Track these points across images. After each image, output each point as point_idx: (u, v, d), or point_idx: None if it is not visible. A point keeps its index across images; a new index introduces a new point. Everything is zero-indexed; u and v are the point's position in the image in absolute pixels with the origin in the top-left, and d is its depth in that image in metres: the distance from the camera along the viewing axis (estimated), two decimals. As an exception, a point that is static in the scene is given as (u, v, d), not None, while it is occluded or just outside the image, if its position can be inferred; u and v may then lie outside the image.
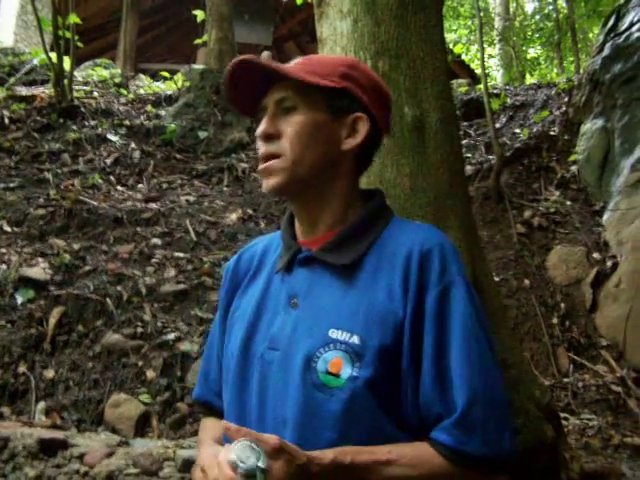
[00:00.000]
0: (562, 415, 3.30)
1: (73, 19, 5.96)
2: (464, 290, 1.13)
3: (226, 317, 1.34)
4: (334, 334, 1.10)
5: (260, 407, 1.15)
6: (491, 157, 5.66)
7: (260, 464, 0.93)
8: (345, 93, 1.21)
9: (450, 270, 1.14)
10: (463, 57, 13.75)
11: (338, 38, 2.27)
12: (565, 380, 3.76)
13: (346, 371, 1.08)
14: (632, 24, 5.30)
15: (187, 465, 2.17)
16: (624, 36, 5.32)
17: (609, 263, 4.39)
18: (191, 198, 5.17)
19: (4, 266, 3.72)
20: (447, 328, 1.10)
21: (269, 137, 1.20)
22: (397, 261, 1.15)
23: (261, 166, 1.21)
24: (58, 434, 2.33)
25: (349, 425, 1.07)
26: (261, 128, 1.20)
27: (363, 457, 1.02)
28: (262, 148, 1.21)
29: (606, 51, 5.48)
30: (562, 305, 4.26)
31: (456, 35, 16.26)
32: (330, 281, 1.18)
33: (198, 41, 8.14)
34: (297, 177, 1.18)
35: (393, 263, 1.16)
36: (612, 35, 5.52)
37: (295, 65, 1.22)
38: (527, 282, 4.44)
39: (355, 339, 1.09)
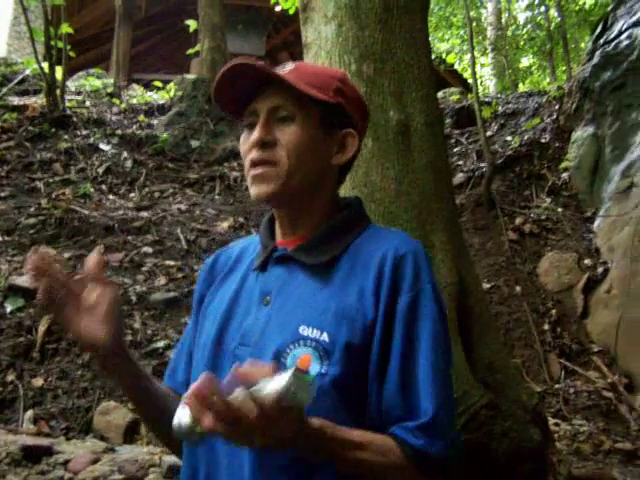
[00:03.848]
0: (553, 421, 3.29)
1: (65, 29, 5.97)
2: (434, 298, 1.15)
3: (199, 312, 1.34)
4: (304, 331, 1.11)
5: None
6: (482, 165, 5.67)
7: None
8: (338, 109, 1.23)
9: (422, 277, 1.15)
10: (456, 66, 13.83)
11: (323, 42, 2.28)
12: (557, 386, 3.75)
13: (314, 368, 1.09)
14: (621, 32, 5.33)
15: (172, 471, 2.16)
16: (613, 44, 5.36)
17: (600, 269, 4.40)
18: (182, 207, 5.16)
19: (-7, 275, 3.71)
20: (416, 335, 1.12)
21: (265, 144, 1.18)
22: (371, 265, 1.16)
23: (254, 171, 1.19)
24: (42, 441, 2.31)
25: None
26: (257, 135, 1.18)
27: (340, 433, 1.02)
28: (255, 154, 1.19)
29: (596, 59, 5.50)
30: (553, 311, 4.27)
31: (449, 45, 16.34)
32: (304, 280, 1.19)
33: (191, 51, 8.15)
34: (289, 188, 1.18)
35: (367, 266, 1.17)
36: (601, 43, 5.56)
37: (289, 73, 1.21)
38: (518, 289, 4.44)
39: (325, 336, 1.10)
